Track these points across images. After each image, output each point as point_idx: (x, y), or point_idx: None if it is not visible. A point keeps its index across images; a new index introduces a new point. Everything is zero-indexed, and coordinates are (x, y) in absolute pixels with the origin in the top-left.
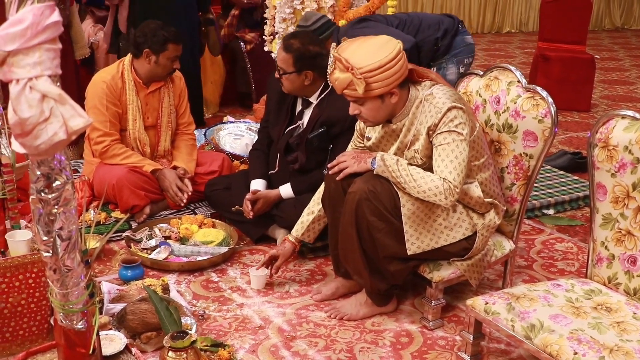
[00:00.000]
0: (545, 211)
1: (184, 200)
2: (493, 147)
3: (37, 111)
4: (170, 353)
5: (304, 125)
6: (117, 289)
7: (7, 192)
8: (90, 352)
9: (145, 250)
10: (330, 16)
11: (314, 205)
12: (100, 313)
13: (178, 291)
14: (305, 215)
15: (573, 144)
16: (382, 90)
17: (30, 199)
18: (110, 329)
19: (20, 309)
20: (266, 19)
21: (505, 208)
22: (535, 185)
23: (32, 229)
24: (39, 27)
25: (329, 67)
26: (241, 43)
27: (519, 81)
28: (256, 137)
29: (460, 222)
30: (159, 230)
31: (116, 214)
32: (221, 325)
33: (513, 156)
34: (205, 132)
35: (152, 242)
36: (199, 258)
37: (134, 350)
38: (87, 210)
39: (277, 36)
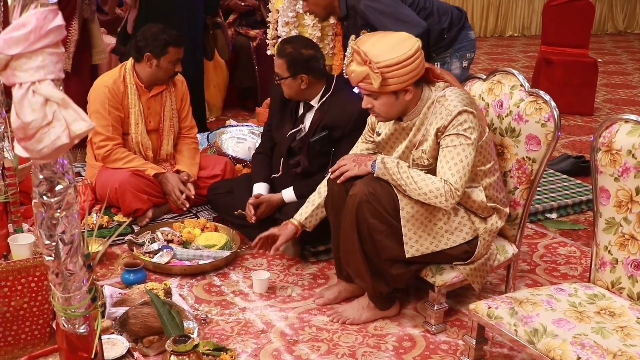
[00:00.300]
0: (548, 215)
1: (187, 204)
2: (496, 150)
3: (39, 115)
4: (173, 357)
5: (306, 129)
6: (120, 293)
7: (9, 195)
8: (93, 356)
9: (147, 254)
10: None
11: (321, 191)
12: (103, 317)
13: (180, 295)
14: (310, 200)
15: (576, 148)
16: (397, 86)
17: (32, 203)
18: (113, 332)
19: (22, 312)
20: (269, 22)
21: (508, 212)
22: (538, 189)
23: (34, 233)
24: (42, 31)
25: (346, 58)
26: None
27: (521, 85)
28: (259, 141)
29: (461, 226)
30: (162, 233)
31: (119, 217)
32: (223, 329)
33: (516, 160)
34: (207, 136)
35: (155, 246)
36: (201, 262)
37: (136, 354)
38: (89, 213)
39: (280, 40)
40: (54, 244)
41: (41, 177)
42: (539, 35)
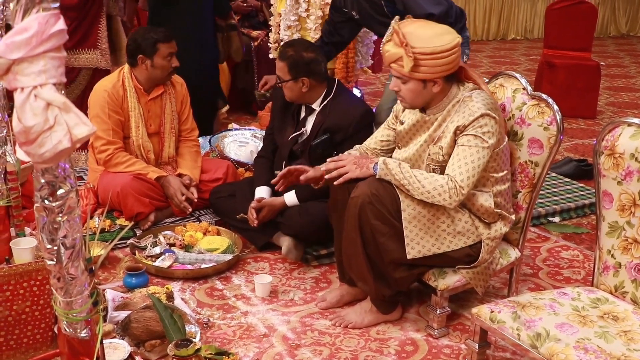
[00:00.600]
0: (551, 219)
1: (189, 208)
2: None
3: (41, 119)
4: None
5: (308, 133)
6: (122, 297)
7: (11, 199)
8: None
9: (149, 258)
10: None
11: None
12: (105, 321)
13: (182, 299)
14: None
15: (579, 151)
16: (427, 75)
17: (34, 207)
18: (115, 337)
19: (24, 316)
20: (271, 25)
21: (514, 219)
22: (541, 192)
23: (36, 237)
24: (44, 35)
25: (385, 36)
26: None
27: (524, 88)
28: (261, 145)
29: (464, 230)
30: (164, 237)
31: (121, 221)
32: (225, 333)
33: (519, 164)
34: (210, 140)
35: (157, 250)
36: (203, 265)
37: (138, 358)
38: (91, 217)
39: (282, 43)
40: (55, 248)
41: (43, 181)
42: (541, 38)
